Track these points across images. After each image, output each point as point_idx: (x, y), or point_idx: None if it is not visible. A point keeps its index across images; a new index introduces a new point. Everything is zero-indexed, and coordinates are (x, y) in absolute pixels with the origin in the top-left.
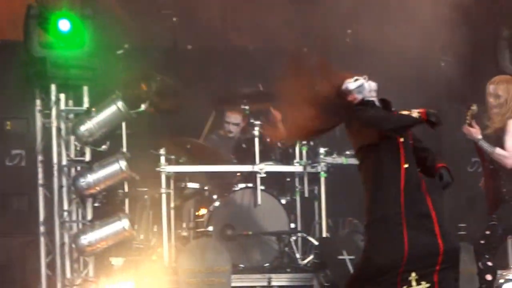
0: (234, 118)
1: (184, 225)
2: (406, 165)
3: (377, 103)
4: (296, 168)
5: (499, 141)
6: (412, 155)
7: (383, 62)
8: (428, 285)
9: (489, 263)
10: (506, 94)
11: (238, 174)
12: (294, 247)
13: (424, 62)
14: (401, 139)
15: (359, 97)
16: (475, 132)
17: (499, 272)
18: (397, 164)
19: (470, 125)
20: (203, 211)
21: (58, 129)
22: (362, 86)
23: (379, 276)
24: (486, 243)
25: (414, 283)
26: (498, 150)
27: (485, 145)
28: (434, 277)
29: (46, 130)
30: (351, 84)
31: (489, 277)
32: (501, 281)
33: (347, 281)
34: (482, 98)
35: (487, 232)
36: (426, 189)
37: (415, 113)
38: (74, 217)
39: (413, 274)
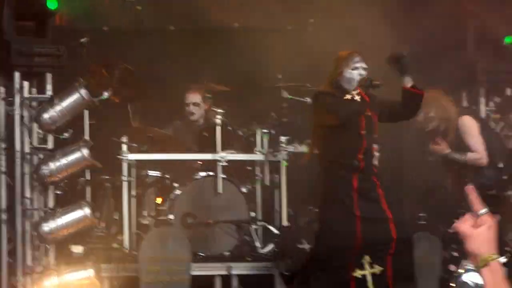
0: (193, 97)
1: (145, 213)
2: (361, 156)
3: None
4: (257, 156)
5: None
6: (370, 141)
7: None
8: (381, 268)
9: (455, 253)
10: (438, 113)
11: (200, 162)
12: (254, 235)
13: (385, 51)
14: (362, 132)
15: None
16: (442, 149)
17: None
18: (353, 151)
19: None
20: (159, 200)
21: (21, 117)
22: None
23: (331, 258)
24: (454, 232)
25: (367, 266)
26: (469, 156)
27: (456, 156)
28: (387, 261)
29: (9, 117)
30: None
31: (452, 267)
32: (461, 270)
33: (303, 262)
34: (445, 88)
35: (456, 221)
36: (377, 179)
37: (356, 96)
38: (36, 205)
39: (366, 257)
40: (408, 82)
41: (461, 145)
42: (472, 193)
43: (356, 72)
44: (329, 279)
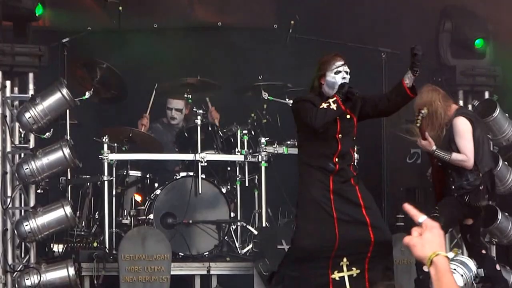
0: (176, 104)
1: (125, 212)
2: (336, 159)
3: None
4: (237, 157)
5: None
6: (347, 144)
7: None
8: (358, 271)
9: None
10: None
11: (180, 163)
12: (234, 236)
13: (365, 53)
14: (338, 136)
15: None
16: (428, 145)
17: None
18: (329, 154)
19: (421, 130)
20: (138, 197)
21: (3, 116)
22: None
23: (309, 260)
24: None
25: (345, 268)
26: (454, 156)
27: (441, 154)
28: (365, 263)
29: None
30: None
31: (426, 268)
32: None
33: (280, 262)
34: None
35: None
36: (355, 182)
37: (333, 104)
38: (17, 204)
39: (344, 260)
40: (408, 80)
41: (452, 145)
42: (408, 209)
43: (339, 76)
44: (306, 280)
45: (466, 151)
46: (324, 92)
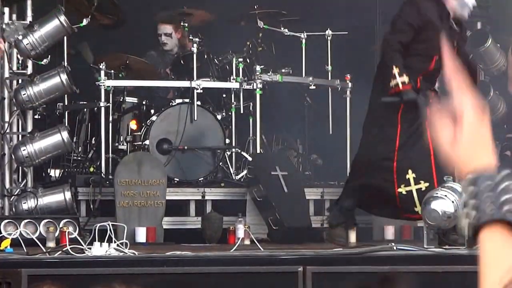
0: (164, 29)
1: (121, 138)
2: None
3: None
4: (233, 84)
5: None
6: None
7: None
8: (427, 184)
9: None
10: None
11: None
12: (228, 162)
13: None
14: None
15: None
16: None
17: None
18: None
19: None
20: (133, 125)
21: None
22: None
23: (372, 169)
24: None
25: (412, 182)
26: None
27: None
28: (433, 176)
29: None
30: None
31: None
32: (429, 197)
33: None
34: None
35: None
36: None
37: (402, 78)
38: (14, 129)
39: (410, 172)
40: None
41: None
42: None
43: None
44: (374, 191)
45: None
46: (448, 5)
